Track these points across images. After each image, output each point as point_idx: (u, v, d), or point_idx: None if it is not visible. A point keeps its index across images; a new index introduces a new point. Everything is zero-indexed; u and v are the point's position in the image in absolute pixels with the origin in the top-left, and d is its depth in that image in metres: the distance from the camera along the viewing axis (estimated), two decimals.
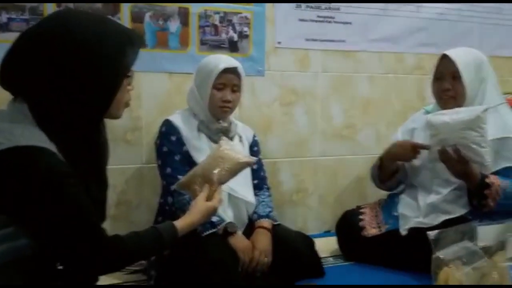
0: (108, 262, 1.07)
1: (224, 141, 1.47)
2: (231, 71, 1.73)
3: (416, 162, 1.84)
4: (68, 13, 1.13)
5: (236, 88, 1.76)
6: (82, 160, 1.08)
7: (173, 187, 1.50)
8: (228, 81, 1.73)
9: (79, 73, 1.01)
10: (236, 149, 1.51)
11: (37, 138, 1.00)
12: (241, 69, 1.76)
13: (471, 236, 1.30)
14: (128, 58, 1.09)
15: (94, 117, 1.10)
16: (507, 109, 1.84)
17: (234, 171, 1.40)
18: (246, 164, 1.44)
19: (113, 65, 1.05)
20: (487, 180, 1.62)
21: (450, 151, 1.60)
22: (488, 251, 1.30)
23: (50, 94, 1.02)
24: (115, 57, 1.05)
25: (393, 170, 1.90)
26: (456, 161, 1.61)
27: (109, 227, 1.89)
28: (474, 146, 1.59)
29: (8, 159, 0.96)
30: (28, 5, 1.84)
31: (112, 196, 2.00)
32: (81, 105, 1.04)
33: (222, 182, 1.36)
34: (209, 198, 1.30)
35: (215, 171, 1.34)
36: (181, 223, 1.21)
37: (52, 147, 1.00)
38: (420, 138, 1.83)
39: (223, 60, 1.75)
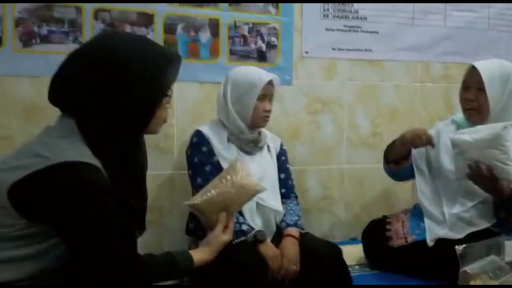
0: (126, 283, 1.11)
1: (239, 162, 1.48)
2: (269, 82, 1.80)
3: (445, 171, 1.84)
4: (112, 36, 1.20)
5: (272, 98, 1.84)
6: (123, 174, 1.14)
7: (186, 206, 1.50)
8: (268, 91, 1.81)
9: (122, 93, 1.08)
10: (250, 172, 1.53)
11: (84, 154, 1.06)
12: (276, 80, 1.83)
13: (498, 250, 1.32)
14: (167, 78, 1.15)
15: (135, 133, 1.17)
16: None
17: (249, 200, 1.44)
18: (260, 192, 1.49)
19: (154, 86, 1.11)
20: None
21: (482, 168, 1.60)
22: None
23: (96, 112, 1.08)
24: (155, 78, 1.11)
25: (402, 155, 1.90)
26: (487, 178, 1.62)
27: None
28: (498, 164, 1.61)
29: (57, 173, 1.02)
30: (67, 17, 1.93)
31: None
32: (123, 123, 1.10)
33: (237, 211, 1.39)
34: (224, 228, 1.36)
35: (237, 203, 1.35)
36: (199, 257, 1.27)
37: (96, 162, 1.07)
38: (448, 148, 1.84)
39: (261, 72, 1.82)
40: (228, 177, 1.37)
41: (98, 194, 1.04)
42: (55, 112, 1.15)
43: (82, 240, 1.05)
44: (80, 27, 1.94)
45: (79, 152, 1.06)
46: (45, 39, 1.90)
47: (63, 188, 1.02)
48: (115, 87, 1.07)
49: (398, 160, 1.93)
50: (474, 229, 1.74)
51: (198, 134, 1.83)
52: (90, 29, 1.95)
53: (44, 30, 1.90)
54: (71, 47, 1.80)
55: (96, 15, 1.96)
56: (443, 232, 1.78)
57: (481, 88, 1.77)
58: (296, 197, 1.96)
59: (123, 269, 1.09)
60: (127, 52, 1.09)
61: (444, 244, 1.69)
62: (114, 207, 1.07)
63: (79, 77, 1.08)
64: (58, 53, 1.81)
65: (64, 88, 1.10)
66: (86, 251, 1.05)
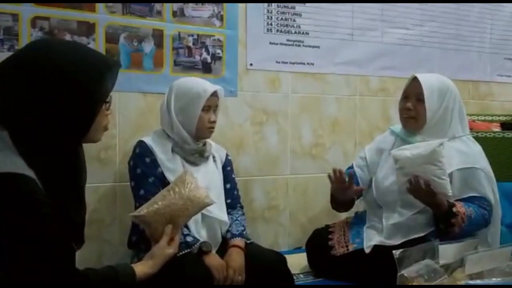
0: None
1: (188, 174, 1.47)
2: (214, 93, 1.81)
3: (385, 183, 1.92)
4: (46, 42, 1.17)
5: (216, 109, 1.85)
6: (60, 185, 1.10)
7: (131, 218, 1.49)
8: (213, 103, 1.82)
9: (57, 100, 1.04)
10: (199, 183, 1.52)
11: (16, 164, 1.01)
12: (221, 91, 1.84)
13: (433, 254, 1.39)
14: (106, 85, 1.12)
15: (73, 142, 1.13)
16: (471, 139, 1.94)
17: (197, 212, 1.43)
18: (209, 205, 1.49)
19: (92, 92, 1.08)
20: (454, 210, 1.70)
21: (421, 183, 1.67)
22: (448, 268, 1.39)
23: (30, 121, 1.04)
24: (93, 84, 1.08)
25: (349, 200, 1.97)
26: (425, 193, 1.68)
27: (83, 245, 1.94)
28: (435, 179, 1.68)
29: None
30: (3, 24, 1.85)
31: None
32: (60, 131, 1.06)
33: (185, 223, 1.38)
34: (169, 241, 1.34)
35: (184, 216, 1.34)
36: (141, 270, 1.24)
37: (31, 173, 1.02)
38: (389, 161, 1.91)
39: (205, 83, 1.82)
40: (177, 189, 1.36)
41: (32, 206, 0.99)
42: None
43: (17, 255, 0.99)
44: (16, 36, 1.86)
45: (11, 163, 1.01)
46: None
47: None
48: (49, 94, 1.03)
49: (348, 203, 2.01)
50: (409, 237, 1.81)
51: (141, 145, 1.80)
52: (27, 38, 1.87)
53: None
54: (6, 55, 1.72)
55: (34, 23, 1.89)
56: (380, 239, 1.85)
57: (420, 99, 1.86)
58: (241, 207, 1.97)
59: (62, 284, 1.05)
60: (63, 57, 1.06)
61: (382, 250, 1.75)
62: (50, 219, 1.02)
63: (12, 86, 1.03)
64: None
65: None
66: (21, 267, 1.00)
